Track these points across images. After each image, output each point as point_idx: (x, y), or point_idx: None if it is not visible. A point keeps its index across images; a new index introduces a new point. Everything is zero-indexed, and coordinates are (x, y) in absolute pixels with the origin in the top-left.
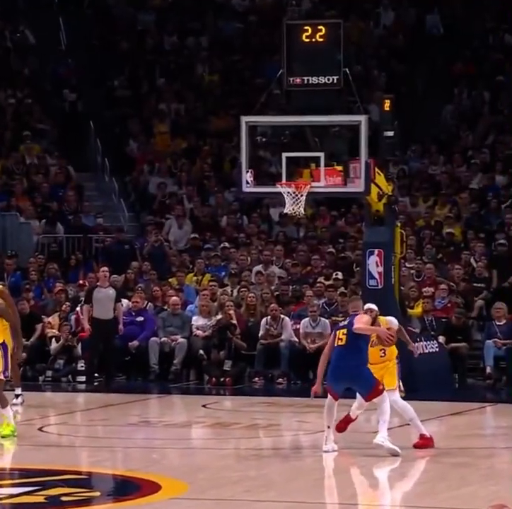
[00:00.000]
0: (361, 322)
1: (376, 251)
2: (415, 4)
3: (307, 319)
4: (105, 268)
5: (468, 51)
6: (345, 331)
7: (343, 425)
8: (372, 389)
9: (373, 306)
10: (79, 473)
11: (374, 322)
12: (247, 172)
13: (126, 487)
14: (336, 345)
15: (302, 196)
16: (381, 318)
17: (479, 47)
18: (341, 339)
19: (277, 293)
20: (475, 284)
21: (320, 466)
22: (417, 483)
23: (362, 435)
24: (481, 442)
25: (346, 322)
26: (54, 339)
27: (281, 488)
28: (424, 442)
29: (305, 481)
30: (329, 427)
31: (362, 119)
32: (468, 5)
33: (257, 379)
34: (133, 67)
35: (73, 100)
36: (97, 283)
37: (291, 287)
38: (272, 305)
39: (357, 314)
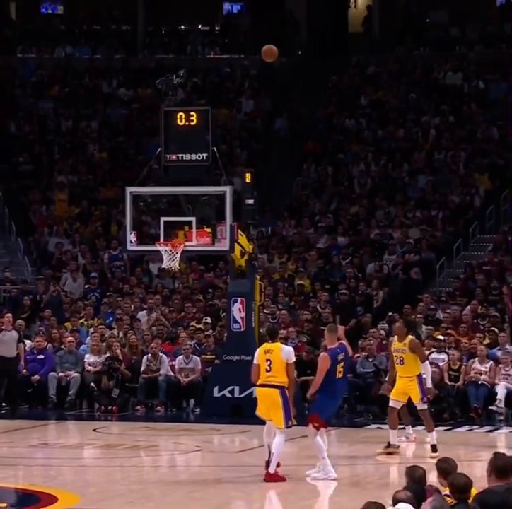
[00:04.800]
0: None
1: (239, 299)
2: (270, 96)
3: (181, 356)
4: (9, 315)
5: (314, 133)
6: (343, 364)
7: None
8: None
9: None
10: None
11: None
12: (131, 233)
13: (27, 499)
14: (337, 377)
15: (177, 253)
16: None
17: (323, 129)
18: (340, 372)
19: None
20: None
21: (193, 480)
22: (279, 494)
23: (228, 455)
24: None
25: (341, 355)
26: None
27: (159, 500)
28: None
29: (180, 494)
30: (324, 458)
31: (227, 189)
32: (314, 95)
33: (139, 407)
34: (35, 146)
35: None
36: (2, 327)
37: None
38: (152, 345)
39: (343, 345)
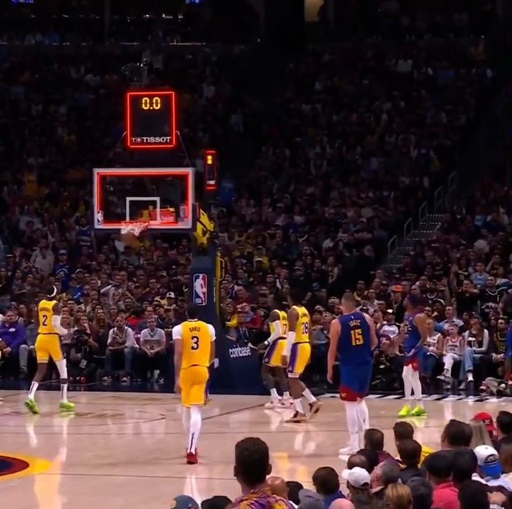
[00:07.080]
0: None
1: (201, 275)
2: (230, 82)
3: (146, 329)
4: None
5: (272, 117)
6: (360, 330)
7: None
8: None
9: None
10: None
11: None
12: (98, 212)
13: (0, 465)
14: (354, 344)
15: (139, 227)
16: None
17: (281, 114)
18: (358, 339)
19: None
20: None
21: (157, 447)
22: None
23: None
24: (283, 426)
25: (354, 322)
26: None
27: (125, 466)
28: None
29: (144, 460)
30: (352, 433)
31: (190, 170)
32: (272, 82)
33: (106, 377)
34: (6, 129)
35: None
36: None
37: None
38: (117, 318)
39: (359, 313)
